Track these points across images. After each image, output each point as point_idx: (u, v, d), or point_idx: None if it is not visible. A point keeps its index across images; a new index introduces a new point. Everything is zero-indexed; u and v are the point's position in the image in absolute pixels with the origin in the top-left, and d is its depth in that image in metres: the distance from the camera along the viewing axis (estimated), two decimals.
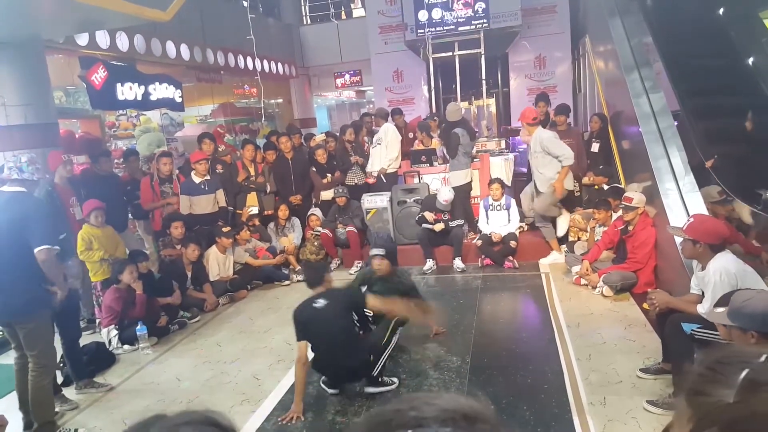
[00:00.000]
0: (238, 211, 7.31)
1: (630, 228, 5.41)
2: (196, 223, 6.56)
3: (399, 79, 11.38)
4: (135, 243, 6.63)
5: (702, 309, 3.22)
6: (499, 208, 6.82)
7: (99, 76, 6.31)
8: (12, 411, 3.73)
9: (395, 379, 3.91)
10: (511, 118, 10.97)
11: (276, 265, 6.92)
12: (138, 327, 4.95)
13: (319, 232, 7.27)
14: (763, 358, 0.76)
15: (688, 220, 3.53)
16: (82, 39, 6.68)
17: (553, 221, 6.68)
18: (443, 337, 4.67)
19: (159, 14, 5.30)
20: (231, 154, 8.02)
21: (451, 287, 6.17)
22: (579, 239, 6.53)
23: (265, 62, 11.02)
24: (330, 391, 3.88)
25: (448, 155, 7.15)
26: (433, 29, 9.34)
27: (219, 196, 6.81)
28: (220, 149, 8.11)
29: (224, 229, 6.47)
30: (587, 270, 5.60)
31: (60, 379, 4.36)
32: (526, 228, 7.21)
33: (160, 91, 7.29)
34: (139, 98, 6.95)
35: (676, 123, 5.84)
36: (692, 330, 3.25)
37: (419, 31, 9.42)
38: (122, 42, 7.33)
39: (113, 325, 5.09)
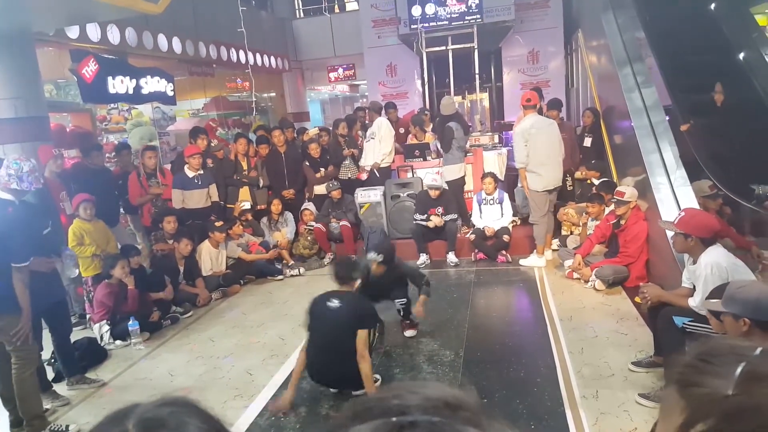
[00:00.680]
0: (229, 206, 7.28)
1: (622, 222, 5.44)
2: (189, 218, 6.53)
3: (392, 73, 11.36)
4: (127, 237, 6.59)
5: (693, 302, 3.25)
6: (492, 202, 6.83)
7: (90, 69, 6.24)
8: None
9: (378, 376, 3.84)
10: (504, 113, 10.99)
11: (269, 260, 6.90)
12: (130, 322, 4.92)
13: (313, 226, 7.26)
14: (758, 351, 0.76)
15: (679, 214, 3.55)
16: (73, 32, 6.61)
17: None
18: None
19: (151, 7, 5.25)
20: (224, 149, 7.98)
21: (444, 281, 6.18)
22: (571, 233, 6.56)
23: (258, 56, 10.96)
24: (322, 387, 3.80)
25: (442, 149, 7.14)
26: (426, 24, 9.33)
27: (212, 191, 6.78)
28: (213, 143, 8.07)
29: (217, 224, 6.45)
30: (579, 264, 5.63)
31: (51, 375, 4.33)
32: (519, 222, 7.23)
33: (152, 84, 7.23)
34: (131, 92, 6.89)
35: (667, 118, 5.87)
36: (684, 323, 3.28)
37: (412, 25, 9.40)
38: (113, 35, 7.26)
39: (105, 321, 5.05)
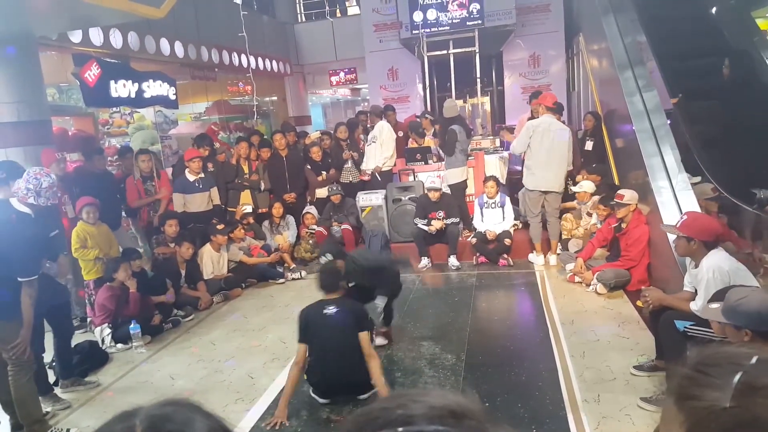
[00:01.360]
0: (230, 209, 7.29)
1: (623, 226, 5.43)
2: (191, 221, 6.54)
3: (394, 77, 11.38)
4: (128, 241, 6.60)
5: (695, 306, 3.24)
6: (494, 205, 6.83)
7: (92, 73, 6.26)
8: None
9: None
10: (505, 117, 10.99)
11: (271, 264, 6.90)
12: (131, 325, 4.92)
13: (314, 230, 7.26)
14: (754, 360, 0.75)
15: (682, 218, 3.55)
16: (76, 36, 6.63)
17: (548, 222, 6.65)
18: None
19: (153, 11, 5.27)
20: (225, 152, 8.00)
21: (446, 285, 6.18)
22: (572, 237, 6.55)
23: (260, 60, 10.99)
24: (321, 400, 3.72)
25: (445, 153, 7.13)
26: (428, 29, 9.35)
27: (213, 194, 6.79)
28: (215, 147, 8.08)
29: (218, 227, 6.46)
30: (581, 267, 5.63)
31: (53, 379, 4.33)
32: (520, 226, 7.22)
33: (154, 88, 7.23)
34: (133, 95, 6.90)
35: (668, 121, 5.87)
36: (685, 327, 3.27)
37: (414, 31, 9.43)
38: (116, 39, 7.28)
39: (106, 324, 5.06)
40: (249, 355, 4.67)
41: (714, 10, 8.23)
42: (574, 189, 6.57)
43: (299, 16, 14.20)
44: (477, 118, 10.39)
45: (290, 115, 13.31)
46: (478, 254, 6.80)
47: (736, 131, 6.40)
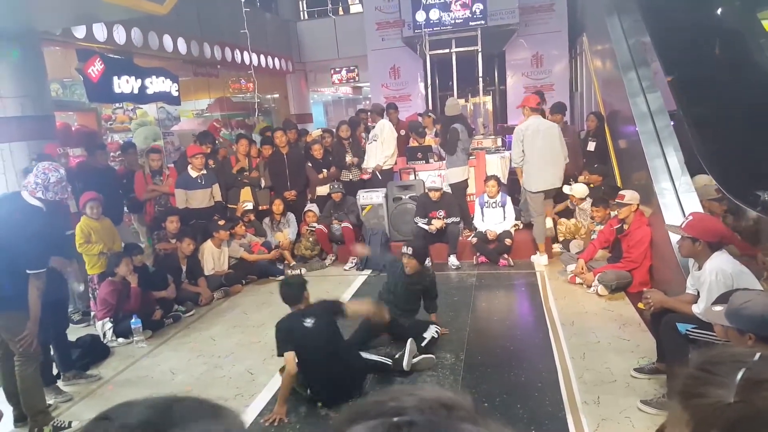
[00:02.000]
0: (230, 206, 7.30)
1: (625, 227, 5.42)
2: (192, 218, 6.55)
3: (396, 76, 11.38)
4: (130, 236, 6.62)
5: (697, 309, 3.23)
6: (494, 205, 6.82)
7: (96, 68, 6.26)
8: (3, 404, 3.72)
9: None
10: (507, 116, 10.99)
11: (271, 260, 6.91)
12: (132, 320, 4.94)
13: (315, 227, 7.27)
14: (757, 357, 0.76)
15: (687, 219, 3.53)
16: (79, 31, 6.64)
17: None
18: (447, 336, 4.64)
19: (156, 7, 5.27)
20: (227, 149, 8.00)
21: (445, 284, 6.16)
22: (574, 238, 6.54)
23: (262, 57, 10.99)
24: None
25: (447, 151, 7.11)
26: (430, 29, 9.34)
27: (215, 191, 6.80)
28: (217, 142, 8.10)
29: (220, 223, 6.46)
30: (582, 269, 5.62)
31: (55, 371, 4.34)
32: (521, 226, 7.22)
33: (157, 84, 7.25)
34: (136, 91, 6.92)
35: (672, 123, 5.86)
36: (687, 330, 3.26)
37: (416, 30, 9.42)
38: (119, 35, 7.29)
39: (108, 318, 5.07)
40: (248, 351, 4.68)
41: (719, 11, 8.20)
42: (566, 191, 6.57)
43: (302, 13, 14.20)
44: (479, 117, 10.38)
45: (292, 112, 13.32)
46: (478, 254, 6.80)
47: (741, 129, 6.37)
